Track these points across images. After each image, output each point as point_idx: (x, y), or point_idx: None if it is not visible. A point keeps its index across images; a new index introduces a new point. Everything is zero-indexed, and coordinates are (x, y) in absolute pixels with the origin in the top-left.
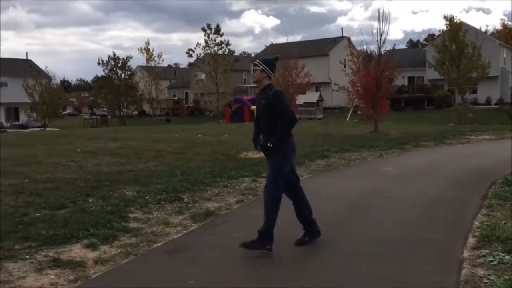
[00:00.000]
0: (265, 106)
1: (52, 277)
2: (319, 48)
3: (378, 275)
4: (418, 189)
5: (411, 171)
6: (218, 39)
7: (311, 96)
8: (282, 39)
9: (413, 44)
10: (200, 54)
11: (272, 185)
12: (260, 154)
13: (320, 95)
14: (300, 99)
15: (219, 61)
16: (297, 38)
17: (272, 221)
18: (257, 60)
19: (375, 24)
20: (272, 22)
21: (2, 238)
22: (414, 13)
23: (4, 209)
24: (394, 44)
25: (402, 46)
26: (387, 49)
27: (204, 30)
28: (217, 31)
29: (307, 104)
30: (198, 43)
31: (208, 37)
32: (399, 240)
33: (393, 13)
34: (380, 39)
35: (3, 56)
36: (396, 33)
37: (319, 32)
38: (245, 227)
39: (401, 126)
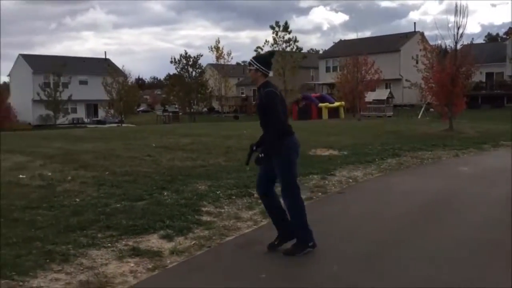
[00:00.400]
0: (258, 106)
1: (132, 265)
2: (390, 43)
3: (455, 279)
4: (497, 191)
5: (489, 171)
6: (286, 37)
7: (381, 93)
8: (351, 35)
9: (492, 38)
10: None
11: (287, 193)
12: (329, 152)
13: (390, 92)
14: (370, 96)
15: (287, 58)
16: (367, 34)
17: (302, 223)
18: (250, 59)
19: (450, 18)
20: (340, 18)
21: (86, 227)
22: (493, 5)
23: (87, 199)
24: (472, 39)
25: (480, 40)
26: (463, 44)
27: (272, 27)
28: (286, 28)
29: (377, 101)
30: (266, 41)
31: (277, 35)
32: (476, 243)
33: (470, 5)
34: (457, 33)
35: (85, 55)
36: (473, 27)
37: (390, 27)
38: (315, 224)
39: (478, 124)
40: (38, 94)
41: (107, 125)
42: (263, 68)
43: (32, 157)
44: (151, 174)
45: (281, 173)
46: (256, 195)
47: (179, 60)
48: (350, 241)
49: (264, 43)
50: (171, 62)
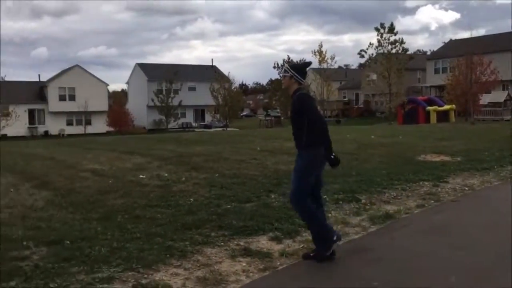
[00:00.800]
0: (292, 113)
1: (244, 264)
2: (508, 42)
3: None
4: None
5: None
6: (392, 38)
7: (497, 95)
8: (462, 34)
9: None
10: (372, 54)
11: (295, 200)
12: (440, 157)
13: (508, 94)
14: (485, 99)
15: (392, 61)
16: (481, 32)
17: (318, 225)
18: (286, 66)
19: None
20: (450, 16)
21: (201, 225)
22: None
23: (200, 200)
24: None
25: None
26: None
27: (377, 29)
28: (391, 30)
29: (493, 104)
30: (370, 43)
31: (381, 37)
32: None
33: None
34: None
35: (193, 63)
36: None
37: (507, 25)
38: (428, 232)
39: None
40: (152, 100)
41: (212, 129)
42: (298, 76)
43: (150, 159)
44: (258, 177)
45: (296, 178)
46: (363, 200)
47: (282, 65)
48: (467, 252)
49: (368, 46)
50: (274, 67)
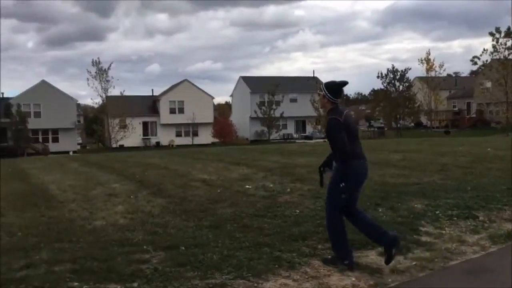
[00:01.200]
0: (326, 132)
1: (353, 279)
2: None
3: None
4: None
5: None
6: (509, 43)
7: None
8: None
9: None
10: (486, 60)
11: (327, 211)
12: None
13: None
14: None
15: (509, 67)
16: None
17: (335, 242)
18: (322, 84)
19: None
20: None
21: (307, 237)
22: None
23: (306, 211)
24: None
25: None
26: None
27: (492, 34)
28: (508, 34)
29: None
30: (484, 49)
31: (497, 42)
32: None
33: None
34: None
35: (294, 74)
36: None
37: None
38: None
39: None
40: (255, 111)
41: (313, 141)
42: (329, 96)
43: (255, 170)
44: (364, 190)
45: (329, 186)
46: (481, 218)
47: (386, 75)
48: None
49: (482, 52)
50: (378, 77)
